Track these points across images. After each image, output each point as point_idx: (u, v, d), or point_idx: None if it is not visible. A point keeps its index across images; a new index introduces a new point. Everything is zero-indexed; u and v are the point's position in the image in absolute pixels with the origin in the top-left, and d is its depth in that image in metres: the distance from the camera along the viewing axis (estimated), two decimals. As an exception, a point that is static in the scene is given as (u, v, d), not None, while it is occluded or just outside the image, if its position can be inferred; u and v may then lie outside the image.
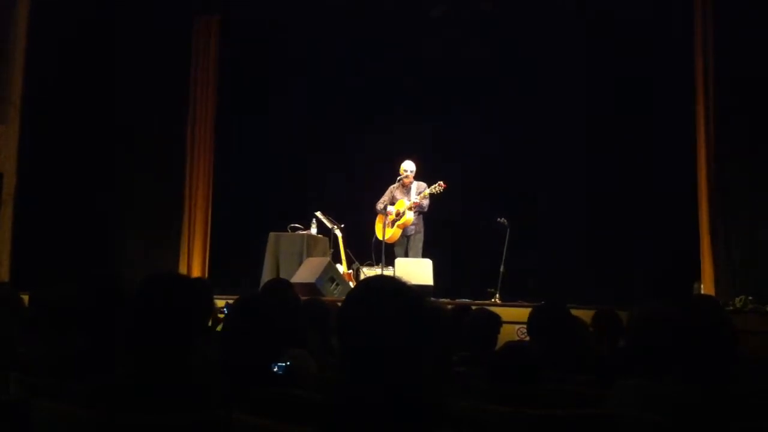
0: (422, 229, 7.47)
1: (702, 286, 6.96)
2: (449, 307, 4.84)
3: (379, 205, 7.52)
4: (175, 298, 1.87)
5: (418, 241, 7.42)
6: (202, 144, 8.84)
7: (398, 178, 7.46)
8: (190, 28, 8.86)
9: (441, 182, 7.26)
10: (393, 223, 7.40)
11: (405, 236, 7.43)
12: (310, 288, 6.37)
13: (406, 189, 7.47)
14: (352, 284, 6.81)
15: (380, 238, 7.42)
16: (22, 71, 7.22)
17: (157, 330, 1.82)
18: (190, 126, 8.80)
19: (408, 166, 7.43)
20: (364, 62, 8.85)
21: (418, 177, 7.49)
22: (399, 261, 7.13)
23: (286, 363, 2.26)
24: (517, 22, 8.31)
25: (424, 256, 7.35)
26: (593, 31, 8.04)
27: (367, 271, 7.46)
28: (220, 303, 4.40)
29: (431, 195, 7.29)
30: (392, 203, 7.50)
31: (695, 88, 7.33)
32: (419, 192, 7.33)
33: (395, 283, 1.63)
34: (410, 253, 7.38)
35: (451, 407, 1.92)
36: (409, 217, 7.34)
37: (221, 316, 3.55)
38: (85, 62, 8.13)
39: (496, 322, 3.55)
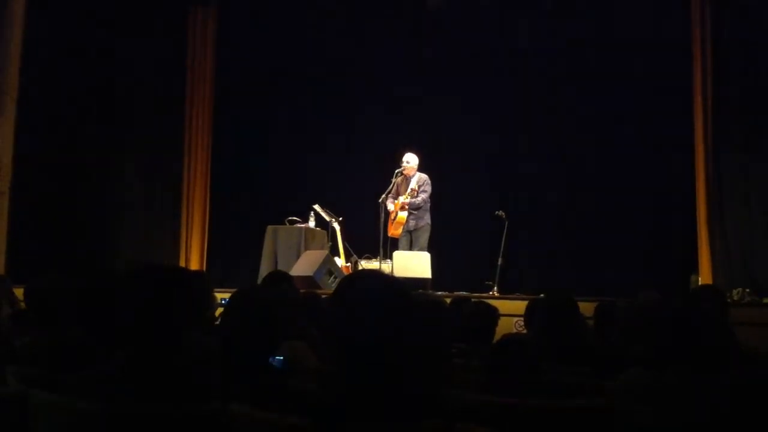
0: (427, 223, 7.36)
1: (699, 278, 6.98)
2: (447, 300, 4.84)
3: (383, 198, 7.36)
4: (157, 288, 1.85)
5: (421, 236, 7.33)
6: (200, 137, 8.82)
7: (396, 172, 7.42)
8: (186, 20, 8.82)
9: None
10: (392, 220, 7.39)
11: (407, 231, 7.38)
12: (308, 281, 6.37)
13: (407, 182, 7.42)
14: (350, 277, 6.78)
15: (388, 233, 7.37)
16: (18, 62, 7.18)
17: (142, 320, 1.81)
18: (187, 119, 8.78)
19: (407, 158, 7.38)
20: (363, 54, 8.82)
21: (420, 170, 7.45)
22: (397, 254, 7.11)
23: (283, 357, 2.25)
24: (516, 16, 8.29)
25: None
26: (592, 27, 8.03)
27: (366, 264, 7.46)
28: (218, 296, 4.40)
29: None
30: (396, 195, 7.45)
31: (693, 81, 7.35)
32: (419, 185, 7.29)
33: (379, 275, 1.65)
34: (414, 248, 7.29)
35: (448, 398, 1.92)
36: (402, 215, 7.28)
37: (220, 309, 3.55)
38: (81, 53, 8.10)
39: (494, 314, 3.55)
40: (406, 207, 7.27)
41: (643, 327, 2.27)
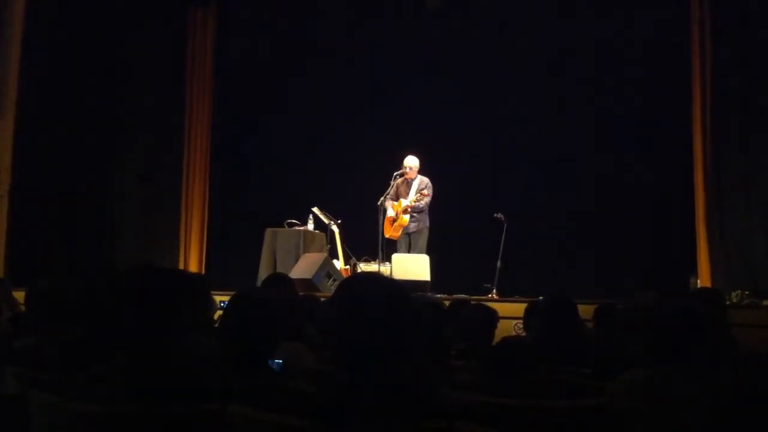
0: (426, 226, 7.37)
1: (699, 280, 6.98)
2: (446, 302, 4.83)
3: (381, 200, 7.33)
4: (157, 289, 1.84)
5: (419, 238, 7.33)
6: (200, 137, 8.82)
7: (395, 174, 7.41)
8: (186, 19, 8.81)
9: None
10: (392, 222, 7.38)
11: (406, 233, 7.38)
12: (307, 284, 6.36)
13: (408, 185, 7.42)
14: (349, 280, 6.76)
15: (385, 234, 7.37)
16: (17, 64, 7.19)
17: (142, 321, 1.81)
18: (187, 118, 8.78)
19: (409, 162, 7.37)
20: (362, 55, 8.83)
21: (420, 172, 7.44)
22: (396, 257, 7.11)
23: (282, 360, 2.25)
24: (515, 16, 8.30)
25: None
26: (591, 27, 8.05)
27: (364, 267, 7.45)
28: (217, 299, 4.40)
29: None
30: (396, 198, 7.46)
31: (692, 81, 7.37)
32: (420, 189, 7.28)
33: (378, 278, 1.66)
34: (413, 250, 7.29)
35: (448, 398, 1.92)
36: (404, 218, 7.28)
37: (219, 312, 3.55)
38: (80, 56, 8.10)
39: (493, 317, 3.55)
40: (409, 210, 7.28)
41: (643, 327, 2.27)
